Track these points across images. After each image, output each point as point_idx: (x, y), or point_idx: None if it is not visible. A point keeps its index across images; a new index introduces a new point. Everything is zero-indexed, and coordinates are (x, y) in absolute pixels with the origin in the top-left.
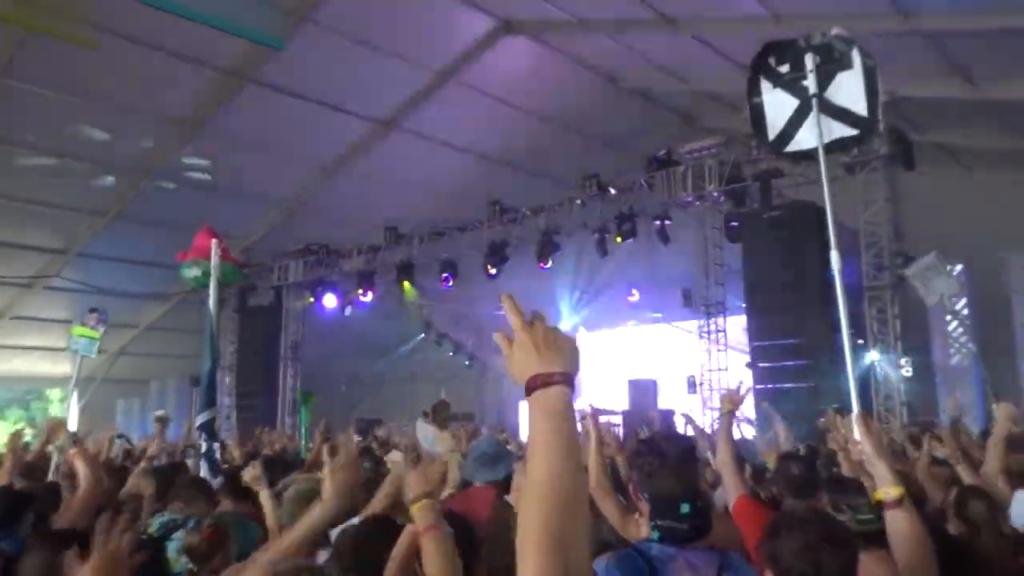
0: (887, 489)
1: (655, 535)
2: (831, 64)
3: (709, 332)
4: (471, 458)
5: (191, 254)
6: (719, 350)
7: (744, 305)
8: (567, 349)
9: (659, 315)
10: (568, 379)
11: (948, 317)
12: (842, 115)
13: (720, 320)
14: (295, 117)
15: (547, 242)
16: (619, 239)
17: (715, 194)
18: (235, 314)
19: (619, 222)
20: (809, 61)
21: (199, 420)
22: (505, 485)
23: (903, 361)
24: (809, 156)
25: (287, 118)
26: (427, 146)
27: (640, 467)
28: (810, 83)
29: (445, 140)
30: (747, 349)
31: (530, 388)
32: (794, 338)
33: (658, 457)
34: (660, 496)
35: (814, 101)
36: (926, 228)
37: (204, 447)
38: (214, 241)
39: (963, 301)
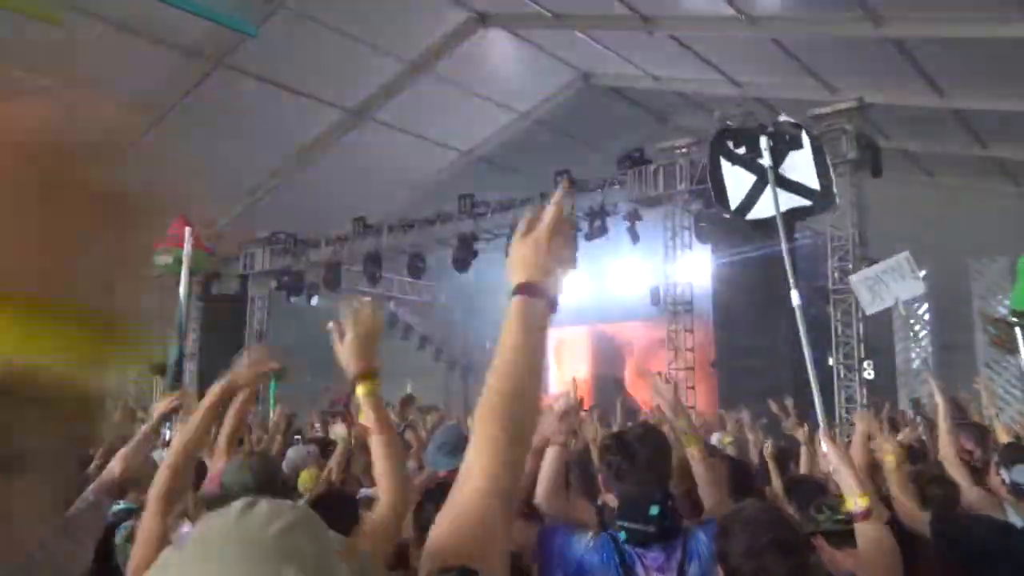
0: (855, 499)
1: (622, 535)
2: (782, 145)
3: (676, 331)
4: (434, 446)
5: (166, 242)
6: (686, 349)
7: (712, 305)
8: (560, 265)
9: (627, 313)
10: (552, 302)
11: (912, 321)
12: (797, 188)
13: (687, 319)
14: (265, 104)
15: None
16: (588, 239)
17: (686, 194)
18: (199, 302)
19: (590, 219)
20: (763, 142)
21: None
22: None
23: (866, 364)
24: (768, 224)
25: (257, 104)
26: (398, 137)
27: (609, 465)
28: (765, 160)
29: (417, 132)
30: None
31: (518, 290)
32: (759, 339)
33: (628, 458)
34: (628, 497)
35: (771, 174)
36: (890, 233)
37: (167, 435)
38: (187, 228)
39: (925, 306)
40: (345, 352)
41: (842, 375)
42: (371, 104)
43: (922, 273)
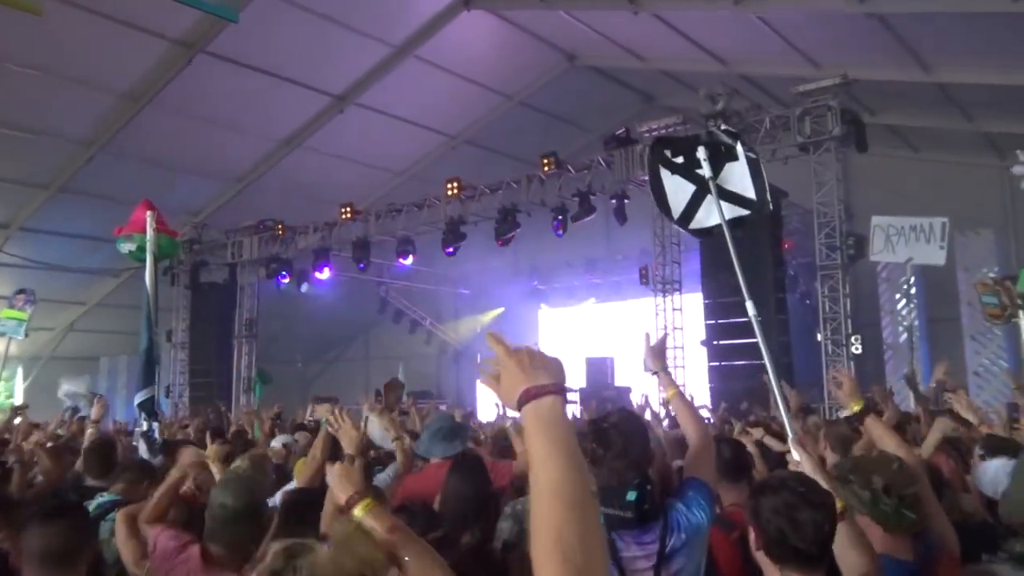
0: None
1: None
2: (719, 156)
3: (665, 310)
4: (427, 434)
5: (127, 228)
6: (675, 328)
7: (700, 284)
8: (553, 365)
9: (616, 293)
10: (559, 389)
11: (898, 295)
12: (734, 198)
13: (676, 298)
14: (249, 91)
15: (505, 220)
16: (574, 220)
17: None
18: (187, 291)
19: (577, 200)
20: (701, 152)
21: (137, 399)
22: (461, 459)
23: (853, 339)
24: (710, 232)
25: (241, 91)
26: (385, 122)
27: (585, 452)
28: (705, 171)
29: (403, 116)
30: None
31: (522, 402)
32: (746, 315)
33: (603, 444)
34: (606, 483)
35: (712, 185)
36: (877, 208)
37: (144, 426)
38: (149, 213)
39: (912, 279)
40: (334, 480)
41: (830, 351)
42: (356, 89)
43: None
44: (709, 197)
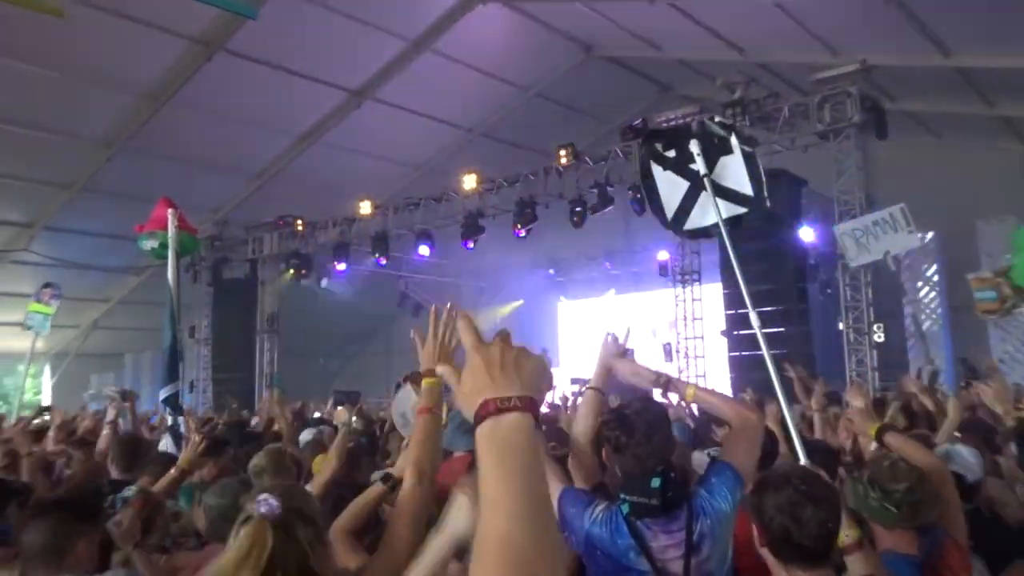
0: (846, 532)
1: (625, 508)
2: (712, 149)
3: (685, 300)
4: (451, 427)
5: (148, 226)
6: (695, 318)
7: (720, 274)
8: (530, 369)
9: (636, 284)
10: (529, 404)
11: (920, 283)
12: (730, 195)
13: (695, 289)
14: (268, 87)
15: (523, 212)
16: (592, 212)
17: None
18: (209, 287)
19: (595, 191)
20: (694, 146)
21: (162, 394)
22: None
23: (876, 327)
24: (707, 233)
25: (260, 88)
26: (402, 116)
27: (608, 439)
28: (699, 166)
29: (420, 110)
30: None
31: (479, 417)
32: (767, 306)
33: (625, 431)
34: (629, 471)
35: (707, 182)
36: (898, 196)
37: (169, 421)
38: (170, 211)
39: (934, 267)
40: (425, 353)
41: (852, 339)
42: (373, 84)
43: (929, 235)
44: (704, 194)
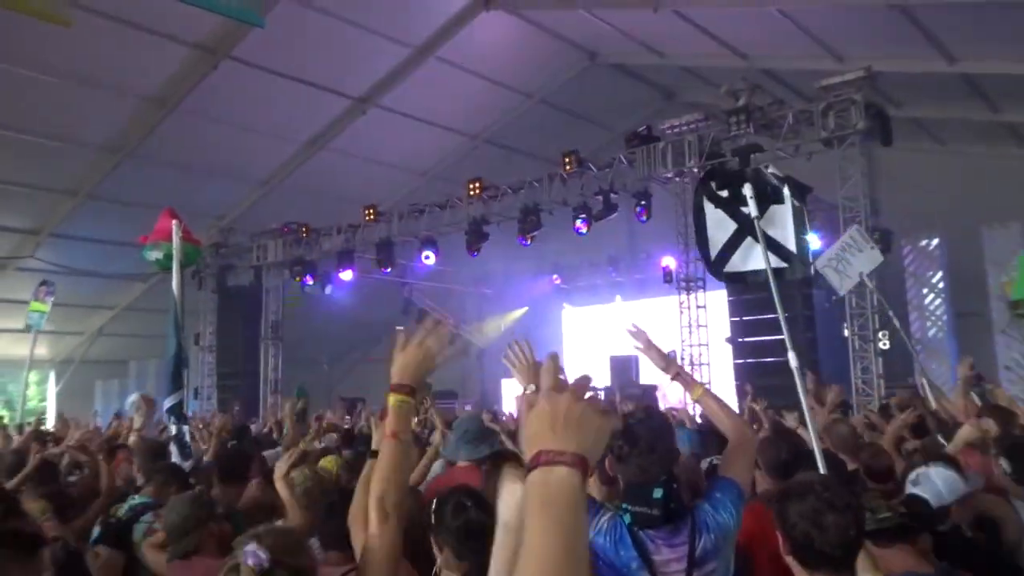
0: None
1: (627, 519)
2: (765, 196)
3: (689, 307)
4: (454, 437)
5: (152, 237)
6: (699, 326)
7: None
8: (590, 429)
9: (640, 291)
10: (579, 462)
11: (925, 290)
12: (774, 247)
13: (700, 295)
14: (273, 94)
15: (527, 219)
16: (597, 219)
17: (695, 170)
18: (214, 294)
19: (600, 198)
20: (747, 189)
21: (166, 403)
22: (491, 462)
23: (881, 334)
24: (743, 279)
25: (265, 96)
26: (406, 123)
27: (611, 449)
28: (750, 209)
29: (424, 117)
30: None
31: (532, 463)
32: (773, 312)
33: (628, 441)
34: (632, 481)
35: (757, 225)
36: (903, 203)
37: (174, 430)
38: (175, 222)
39: (939, 274)
40: (398, 361)
41: (857, 346)
42: (377, 91)
43: (935, 241)
44: (748, 240)
